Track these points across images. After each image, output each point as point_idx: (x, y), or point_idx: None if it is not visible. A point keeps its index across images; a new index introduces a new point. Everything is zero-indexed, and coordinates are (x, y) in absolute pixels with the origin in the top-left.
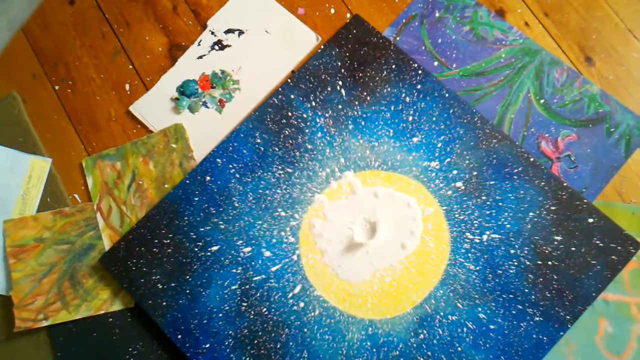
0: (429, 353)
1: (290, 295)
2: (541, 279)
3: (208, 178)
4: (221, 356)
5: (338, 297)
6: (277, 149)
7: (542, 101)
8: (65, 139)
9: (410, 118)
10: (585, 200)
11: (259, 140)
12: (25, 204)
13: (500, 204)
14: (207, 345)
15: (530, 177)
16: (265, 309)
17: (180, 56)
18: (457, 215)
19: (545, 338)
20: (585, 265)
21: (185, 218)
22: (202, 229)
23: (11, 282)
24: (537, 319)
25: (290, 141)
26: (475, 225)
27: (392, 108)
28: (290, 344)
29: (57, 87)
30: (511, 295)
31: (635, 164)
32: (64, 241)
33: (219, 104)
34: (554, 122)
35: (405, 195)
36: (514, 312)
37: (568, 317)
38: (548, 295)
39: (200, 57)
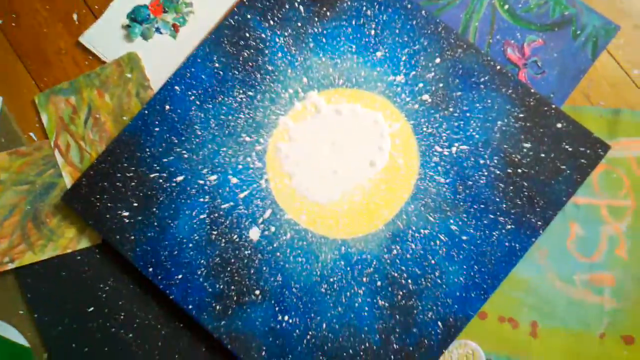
0: (403, 268)
1: (261, 220)
2: (512, 187)
3: (167, 107)
4: (194, 285)
5: (309, 219)
6: (236, 72)
7: (506, 7)
8: (15, 75)
9: (373, 32)
10: (553, 106)
11: (217, 65)
12: None
13: (468, 114)
14: (180, 276)
15: (497, 86)
16: (236, 236)
17: None
18: (425, 129)
19: (517, 245)
20: (555, 170)
21: (147, 149)
22: (165, 160)
23: None
24: (509, 227)
25: (250, 63)
26: (444, 137)
27: (354, 22)
28: (264, 268)
29: (0, 22)
30: (482, 206)
31: (602, 66)
32: (22, 181)
33: (172, 29)
34: (519, 28)
35: (371, 111)
36: (485, 222)
37: (539, 223)
38: (519, 202)
39: None
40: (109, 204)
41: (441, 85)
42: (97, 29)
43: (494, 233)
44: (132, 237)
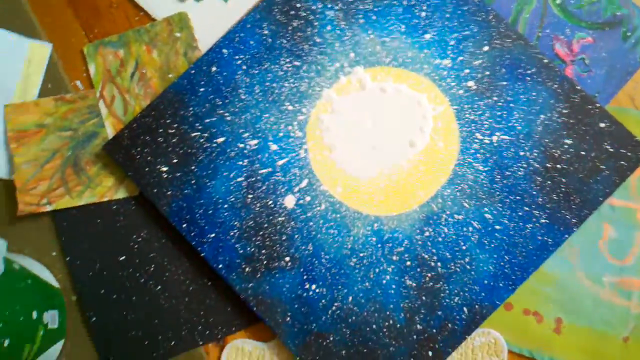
0: (434, 250)
1: (297, 189)
2: (549, 182)
3: (214, 69)
4: (226, 246)
5: (345, 192)
6: (285, 41)
7: (558, 1)
8: (66, 24)
9: (423, 14)
10: (597, 105)
11: (266, 32)
12: (26, 90)
13: (512, 105)
14: (213, 235)
15: (543, 79)
16: (271, 202)
17: None
18: (467, 115)
19: (550, 240)
20: (594, 169)
21: (191, 108)
22: (207, 120)
23: (13, 167)
24: (543, 221)
25: (299, 33)
26: (486, 125)
27: (405, 2)
28: (296, 236)
29: None
30: (518, 197)
31: None
32: (66, 128)
33: None
34: (569, 24)
35: (416, 92)
36: (520, 213)
37: (574, 220)
38: (555, 198)
39: None
40: (148, 158)
41: (487, 73)
42: None
43: (528, 225)
44: (169, 192)
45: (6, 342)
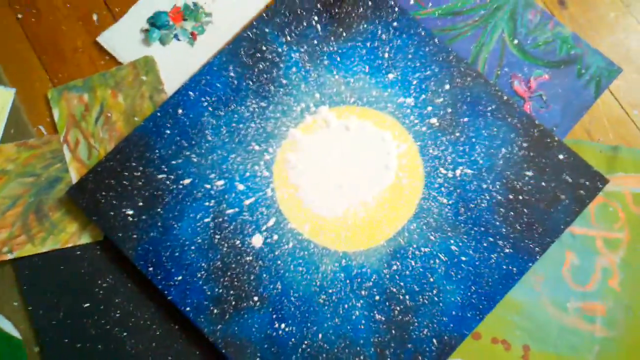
0: (402, 284)
1: (264, 228)
2: (512, 213)
3: (180, 111)
4: (194, 288)
5: (312, 230)
6: (251, 83)
7: (515, 42)
8: (30, 69)
9: (386, 55)
10: (556, 138)
11: (232, 74)
12: None
13: (474, 140)
14: (179, 278)
15: (503, 115)
16: (238, 242)
17: None
18: (431, 151)
19: (514, 269)
20: (554, 199)
21: (157, 151)
22: (174, 162)
23: None
24: (507, 250)
25: (265, 75)
26: (449, 160)
27: (368, 45)
28: (264, 275)
29: (20, 16)
30: (482, 228)
31: (604, 104)
32: (28, 173)
33: (191, 36)
34: (527, 63)
35: (380, 130)
36: (485, 244)
37: (537, 249)
38: (518, 228)
39: None
40: (113, 202)
41: (449, 110)
42: (115, 30)
43: (493, 256)
44: (135, 236)
45: None
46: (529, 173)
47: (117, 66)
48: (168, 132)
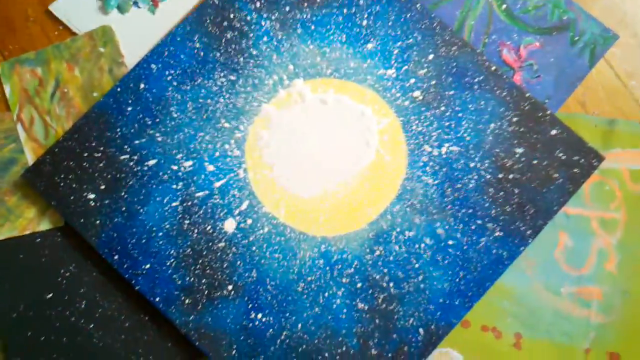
0: (385, 270)
1: (237, 212)
2: (502, 193)
3: (142, 85)
4: (162, 277)
5: (288, 213)
6: (218, 55)
7: (504, 7)
8: None
9: (365, 22)
10: (548, 112)
11: (197, 45)
12: None
13: (460, 114)
14: (147, 266)
15: (492, 87)
16: (209, 227)
17: None
18: (414, 127)
19: (505, 253)
20: (547, 178)
21: (118, 129)
22: (137, 142)
23: None
24: (497, 234)
25: (233, 46)
26: (434, 137)
27: (345, 11)
28: (238, 262)
29: None
30: (470, 210)
31: (599, 74)
32: None
33: (151, 3)
34: (516, 29)
35: (359, 104)
36: (473, 227)
37: (529, 231)
38: (509, 209)
39: None
40: (73, 185)
41: (433, 82)
42: None
43: (482, 239)
44: (98, 222)
45: None
46: (520, 150)
47: (72, 37)
48: (130, 108)
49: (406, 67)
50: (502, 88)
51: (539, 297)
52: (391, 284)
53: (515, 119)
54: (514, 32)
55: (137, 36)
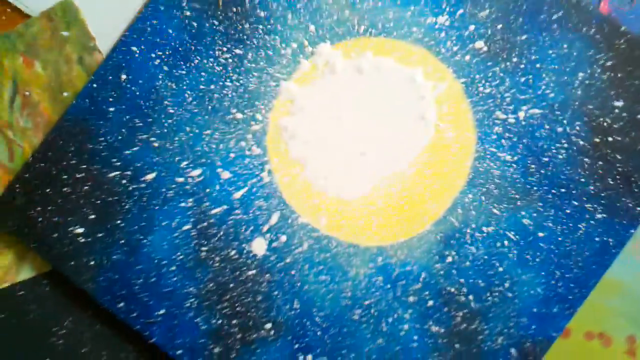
0: (461, 280)
1: (266, 228)
2: (601, 162)
3: (124, 76)
4: (182, 323)
5: (331, 222)
6: (216, 22)
7: None
8: None
9: None
10: None
11: (187, 12)
12: None
13: (538, 65)
14: (162, 312)
15: (575, 24)
16: (234, 252)
17: None
18: (481, 89)
19: (611, 240)
20: None
21: (102, 139)
22: (127, 152)
23: None
24: (599, 215)
25: (234, 9)
26: (507, 99)
27: None
28: (275, 293)
29: None
30: (563, 190)
31: None
32: None
33: None
34: None
35: (406, 67)
36: (568, 211)
37: (638, 208)
38: (611, 182)
39: None
40: (55, 218)
41: (500, 26)
42: None
43: (580, 225)
44: (92, 262)
45: None
46: (619, 103)
47: (25, 21)
48: (112, 109)
49: (462, 10)
50: (589, 24)
51: None
52: (470, 297)
53: (609, 63)
54: None
55: (109, 10)
